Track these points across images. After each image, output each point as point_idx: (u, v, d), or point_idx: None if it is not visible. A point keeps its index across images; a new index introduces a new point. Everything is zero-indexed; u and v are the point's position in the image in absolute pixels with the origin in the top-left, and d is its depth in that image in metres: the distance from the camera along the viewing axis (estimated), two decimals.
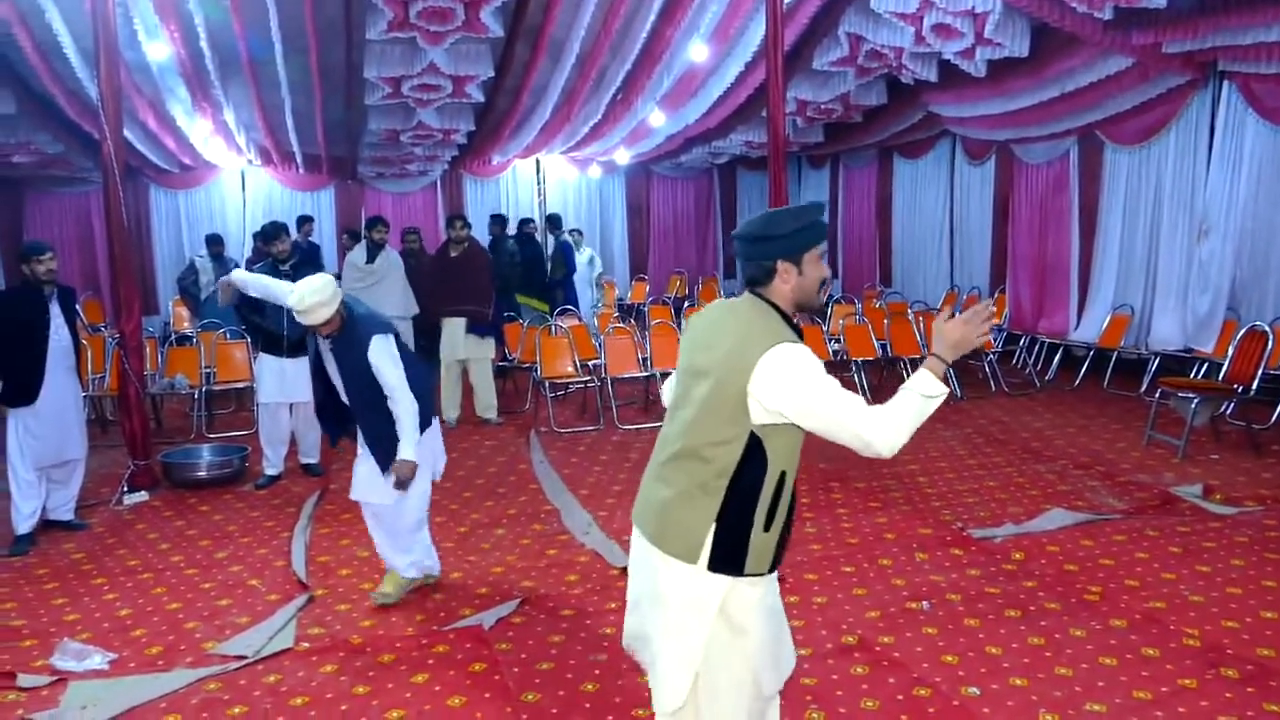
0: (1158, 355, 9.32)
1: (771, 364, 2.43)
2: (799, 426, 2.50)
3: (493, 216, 12.25)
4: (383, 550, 4.88)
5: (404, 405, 4.52)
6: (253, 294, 5.66)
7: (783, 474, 2.55)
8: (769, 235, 2.55)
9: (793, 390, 2.42)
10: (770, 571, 2.62)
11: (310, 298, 4.37)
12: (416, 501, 4.80)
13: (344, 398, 4.70)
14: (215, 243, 11.22)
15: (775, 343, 2.45)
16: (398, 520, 4.79)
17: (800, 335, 2.55)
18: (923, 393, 2.41)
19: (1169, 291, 9.69)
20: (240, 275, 5.75)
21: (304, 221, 12.33)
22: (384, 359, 4.52)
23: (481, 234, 13.00)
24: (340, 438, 4.97)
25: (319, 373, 4.76)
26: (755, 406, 2.46)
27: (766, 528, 2.55)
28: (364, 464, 4.72)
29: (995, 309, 2.53)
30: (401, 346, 4.65)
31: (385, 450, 4.58)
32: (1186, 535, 5.44)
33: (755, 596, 2.61)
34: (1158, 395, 7.62)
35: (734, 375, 2.46)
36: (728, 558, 2.54)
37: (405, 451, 4.52)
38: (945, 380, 2.44)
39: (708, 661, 2.62)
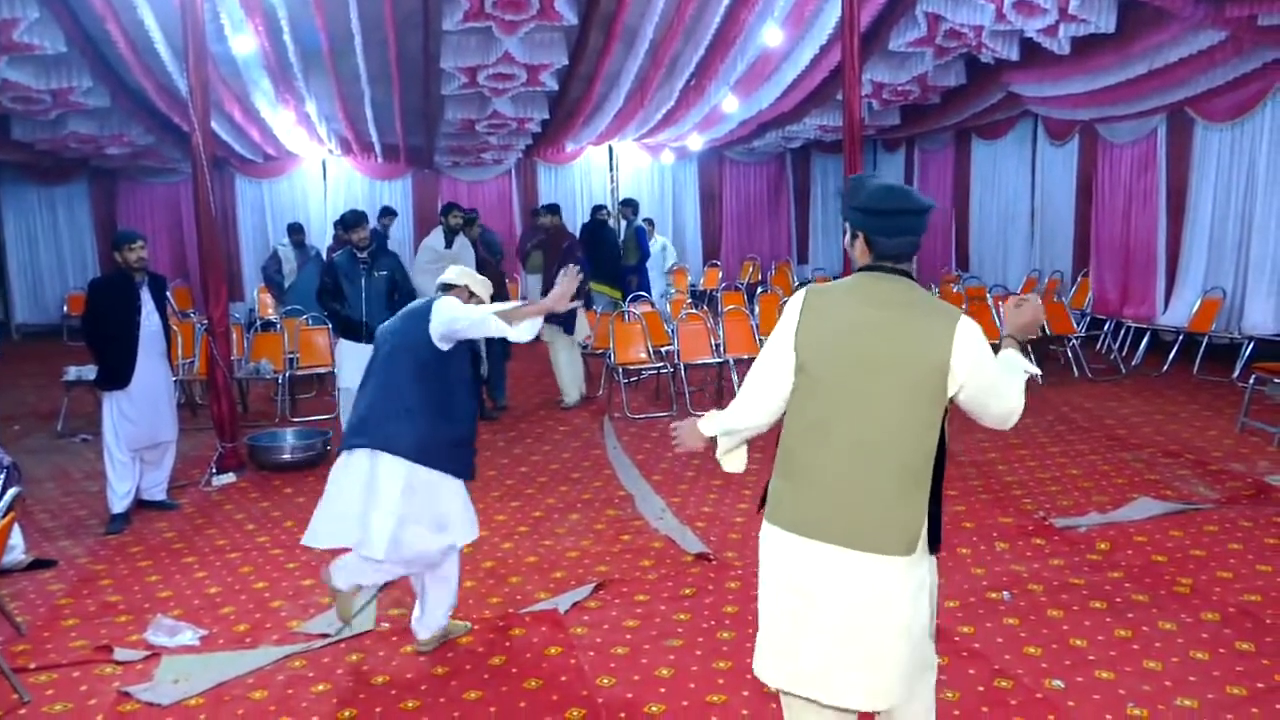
0: (1252, 340, 8.99)
1: (966, 336, 2.44)
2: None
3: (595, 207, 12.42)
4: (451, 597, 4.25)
5: None
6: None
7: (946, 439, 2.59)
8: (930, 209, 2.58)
9: (984, 360, 2.46)
10: None
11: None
12: None
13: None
14: (296, 231, 11.51)
15: (958, 315, 2.47)
16: None
17: None
18: (1024, 369, 2.59)
19: (1262, 274, 9.34)
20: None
21: (385, 213, 12.52)
22: None
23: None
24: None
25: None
26: (950, 381, 2.46)
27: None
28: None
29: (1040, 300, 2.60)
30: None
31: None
32: None
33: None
34: (1252, 381, 7.35)
35: (932, 352, 2.43)
36: (935, 536, 2.57)
37: None
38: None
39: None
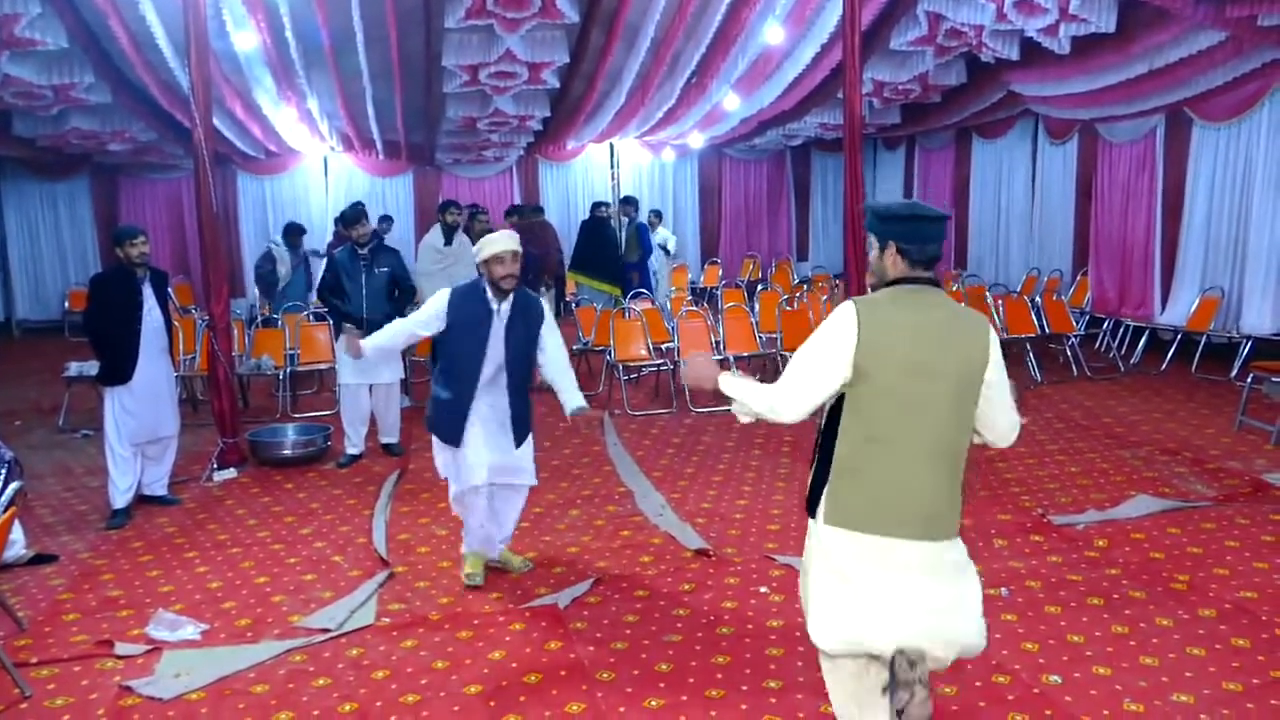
0: (1250, 339, 9.01)
1: (994, 338, 2.71)
2: None
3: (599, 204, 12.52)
4: (488, 534, 4.89)
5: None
6: (385, 345, 5.01)
7: None
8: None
9: (1001, 363, 2.70)
10: None
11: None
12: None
13: (496, 373, 4.67)
14: (294, 232, 11.45)
15: (985, 319, 2.75)
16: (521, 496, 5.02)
17: None
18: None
19: (1259, 273, 9.36)
20: (371, 341, 4.93)
21: (382, 220, 12.55)
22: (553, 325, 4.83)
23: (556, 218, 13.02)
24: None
25: (480, 348, 4.63)
26: (985, 381, 2.69)
27: None
28: (497, 442, 4.73)
29: None
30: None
31: (524, 426, 4.81)
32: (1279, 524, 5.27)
33: None
34: (1249, 379, 7.37)
35: (976, 354, 2.67)
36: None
37: (580, 398, 4.78)
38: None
39: None
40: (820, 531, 2.76)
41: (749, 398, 2.81)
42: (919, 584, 2.68)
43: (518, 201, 16.37)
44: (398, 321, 4.97)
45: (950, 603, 2.72)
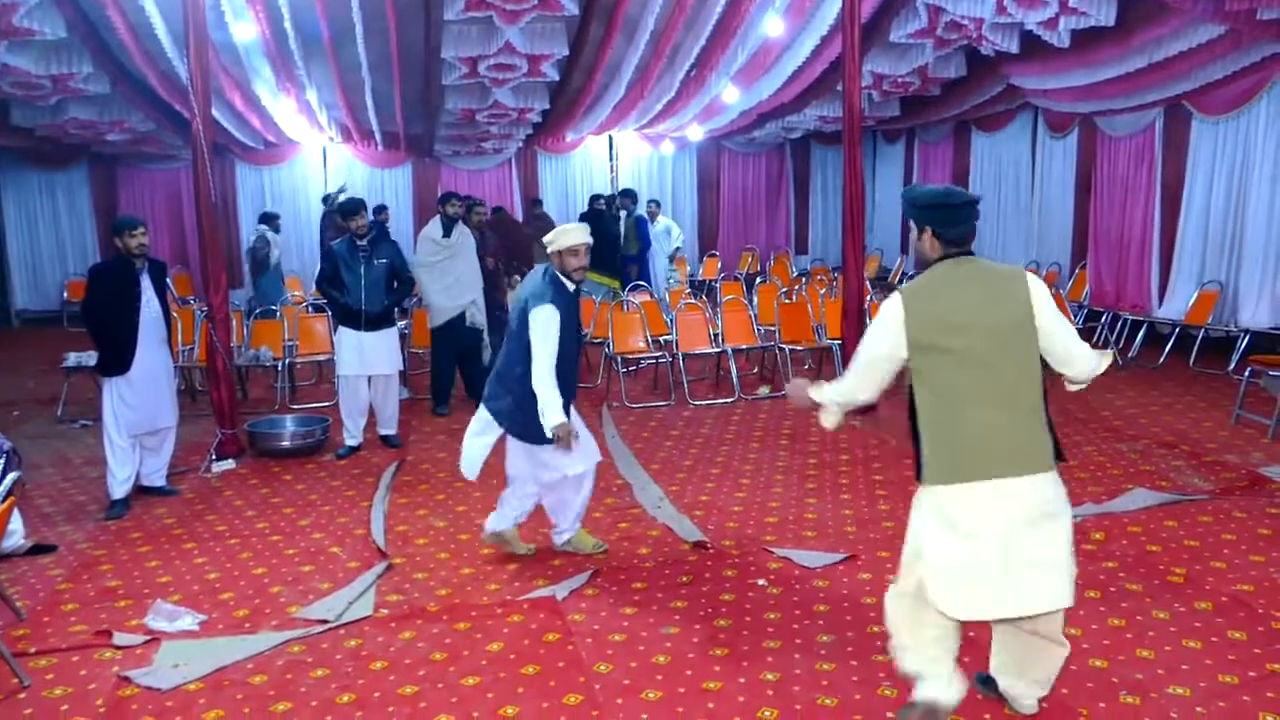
0: (1248, 332, 9.01)
1: (1036, 285, 3.05)
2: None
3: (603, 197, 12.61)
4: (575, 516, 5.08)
5: None
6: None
7: None
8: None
9: (1050, 301, 3.05)
10: None
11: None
12: None
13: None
14: (274, 218, 12.16)
15: (1024, 270, 3.10)
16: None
17: None
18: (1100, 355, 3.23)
19: (1256, 267, 9.37)
20: (556, 402, 4.60)
21: (380, 210, 12.60)
22: None
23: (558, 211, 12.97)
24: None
25: (578, 335, 4.84)
26: (1037, 320, 3.02)
27: None
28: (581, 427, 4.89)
29: None
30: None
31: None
32: (1277, 517, 5.27)
33: None
34: (1247, 373, 7.38)
35: (1019, 301, 3.02)
36: (1059, 452, 3.09)
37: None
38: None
39: None
40: (930, 494, 3.07)
41: (833, 396, 3.27)
42: (1023, 535, 2.96)
43: (517, 194, 16.38)
44: (543, 368, 4.54)
45: (1048, 557, 2.99)
